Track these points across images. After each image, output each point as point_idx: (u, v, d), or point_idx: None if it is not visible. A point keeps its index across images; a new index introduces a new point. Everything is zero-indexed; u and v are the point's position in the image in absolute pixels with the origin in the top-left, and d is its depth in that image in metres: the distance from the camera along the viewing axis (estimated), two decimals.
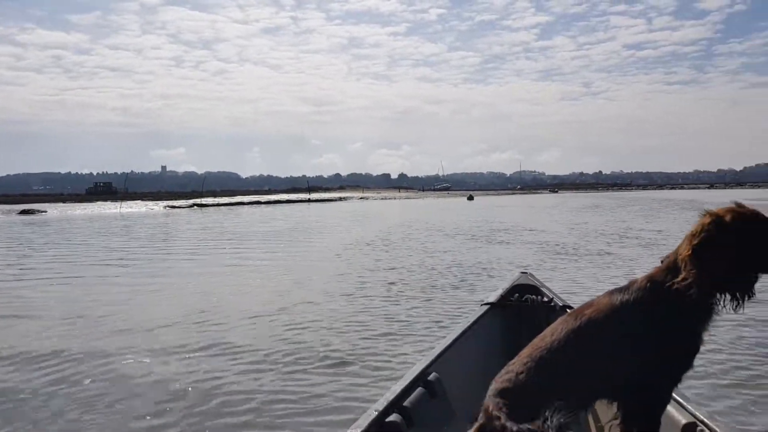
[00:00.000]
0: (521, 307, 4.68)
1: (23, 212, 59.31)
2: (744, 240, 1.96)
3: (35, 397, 5.50)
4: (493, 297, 4.79)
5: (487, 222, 31.85)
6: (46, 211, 61.43)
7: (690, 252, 2.01)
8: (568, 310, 4.03)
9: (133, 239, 24.77)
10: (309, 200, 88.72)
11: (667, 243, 17.42)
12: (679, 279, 2.01)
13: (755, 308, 8.51)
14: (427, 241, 21.08)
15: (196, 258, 17.21)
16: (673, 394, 2.37)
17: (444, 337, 4.02)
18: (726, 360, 6.15)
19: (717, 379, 5.59)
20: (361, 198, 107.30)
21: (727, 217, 2.00)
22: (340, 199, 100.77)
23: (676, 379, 2.08)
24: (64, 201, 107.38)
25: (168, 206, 68.62)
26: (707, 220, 2.03)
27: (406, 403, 2.81)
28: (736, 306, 2.00)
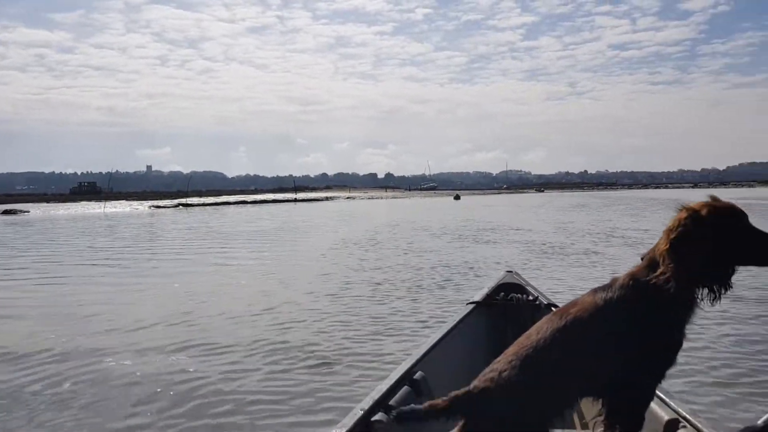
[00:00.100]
0: (507, 306, 4.69)
1: (5, 212, 58.63)
2: (720, 233, 1.98)
3: (14, 397, 5.45)
4: (478, 296, 4.80)
5: (474, 221, 31.94)
6: (29, 212, 60.77)
7: (667, 246, 2.02)
8: (553, 309, 4.05)
9: (117, 239, 24.57)
10: (295, 200, 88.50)
11: (653, 242, 17.46)
12: (657, 273, 2.03)
13: (736, 304, 8.61)
14: (413, 240, 21.09)
15: (180, 258, 17.10)
16: (657, 391, 2.38)
17: (430, 336, 4.02)
18: (709, 357, 6.20)
19: (699, 375, 5.63)
20: (347, 198, 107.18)
21: (703, 211, 2.02)
22: (327, 198, 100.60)
23: (659, 376, 2.09)
24: (47, 201, 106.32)
25: (153, 206, 68.16)
26: (684, 214, 2.04)
27: (391, 402, 2.80)
28: (714, 299, 2.02)
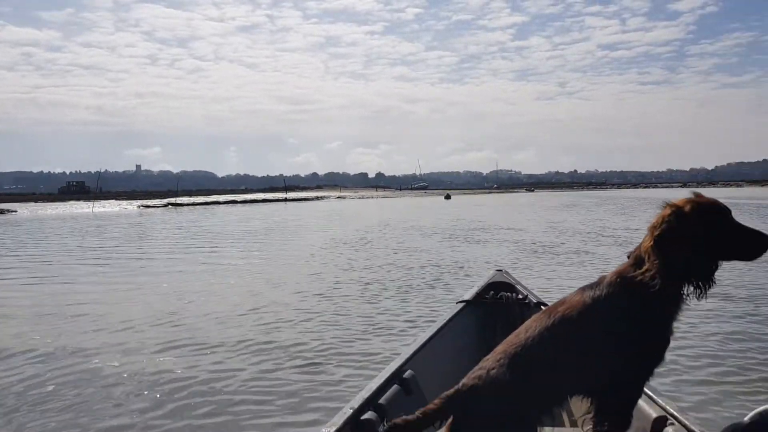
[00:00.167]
0: (496, 305, 4.70)
1: None
2: (703, 229, 2.00)
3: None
4: (468, 295, 4.81)
5: (464, 221, 31.98)
6: (16, 211, 60.29)
7: (651, 243, 2.04)
8: (542, 307, 4.06)
9: (106, 239, 24.40)
10: (286, 200, 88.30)
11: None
12: (642, 270, 2.04)
13: (723, 302, 8.67)
14: (404, 240, 21.09)
15: (169, 258, 17.00)
16: (645, 388, 2.39)
17: (419, 334, 4.02)
18: (696, 355, 6.23)
19: (687, 373, 5.67)
20: (338, 197, 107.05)
21: (687, 208, 2.03)
22: (318, 198, 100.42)
23: (647, 373, 2.09)
24: (35, 201, 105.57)
25: (142, 206, 67.80)
26: (667, 211, 2.06)
27: (381, 401, 2.80)
28: (699, 295, 2.03)
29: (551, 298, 5.29)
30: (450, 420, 2.08)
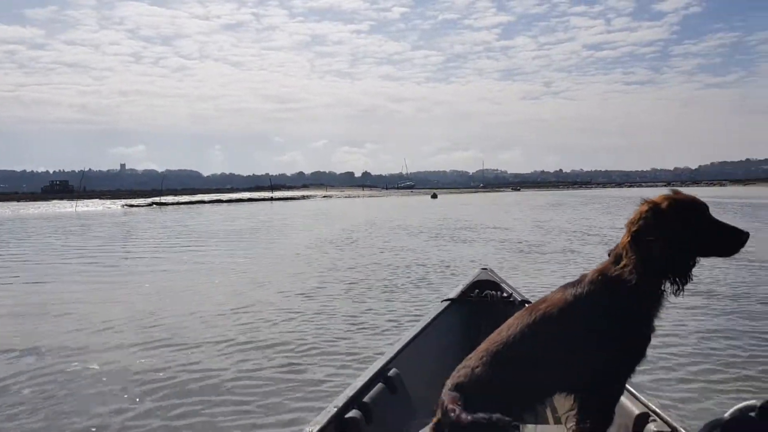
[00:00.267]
0: (481, 303, 4.71)
1: None
2: (680, 225, 2.01)
3: None
4: (453, 293, 4.83)
5: (451, 220, 32.04)
6: None
7: (628, 239, 2.07)
8: (527, 305, 4.07)
9: (89, 239, 24.18)
10: (272, 199, 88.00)
11: None
12: (620, 266, 2.07)
13: (703, 299, 8.77)
14: (390, 239, 21.09)
15: (153, 257, 16.89)
16: (626, 385, 2.41)
17: (404, 333, 4.02)
18: (677, 353, 6.28)
19: (668, 371, 5.71)
20: (324, 196, 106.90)
21: (664, 204, 2.06)
22: (304, 197, 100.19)
23: (629, 370, 2.11)
24: (18, 200, 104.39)
25: (126, 205, 67.31)
26: (645, 207, 2.09)
27: (365, 399, 2.80)
28: (677, 291, 2.05)
29: (537, 296, 5.31)
30: (435, 418, 2.08)
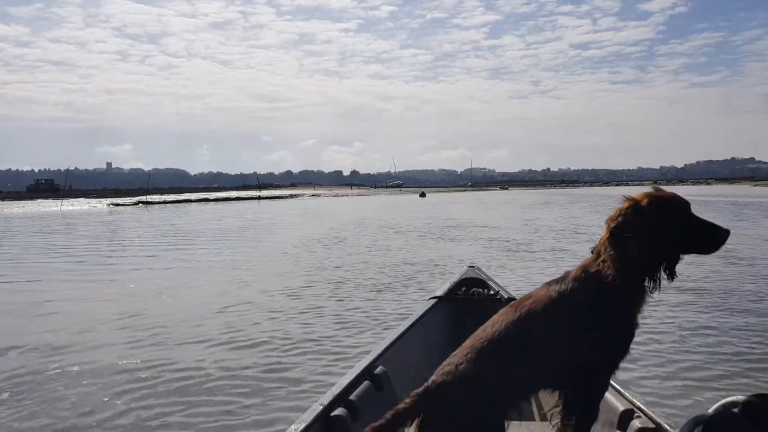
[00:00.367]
0: (468, 300, 4.72)
1: None
2: (659, 222, 2.02)
3: None
4: (440, 291, 4.83)
5: (439, 219, 32.07)
6: None
7: (608, 235, 2.08)
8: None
9: (74, 238, 23.95)
10: (259, 198, 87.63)
11: None
12: (599, 261, 2.08)
13: (687, 296, 8.83)
14: (378, 238, 21.07)
15: (139, 256, 16.77)
16: (612, 382, 2.41)
17: (391, 330, 4.02)
18: (664, 349, 6.32)
19: (653, 367, 5.74)
20: (312, 195, 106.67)
21: (644, 201, 2.07)
22: (292, 196, 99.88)
23: (613, 366, 2.11)
24: (2, 199, 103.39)
25: (112, 204, 66.78)
26: (625, 204, 2.10)
27: (351, 397, 2.79)
28: (654, 287, 2.06)
29: (523, 294, 5.32)
30: (420, 417, 2.07)
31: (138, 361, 6.30)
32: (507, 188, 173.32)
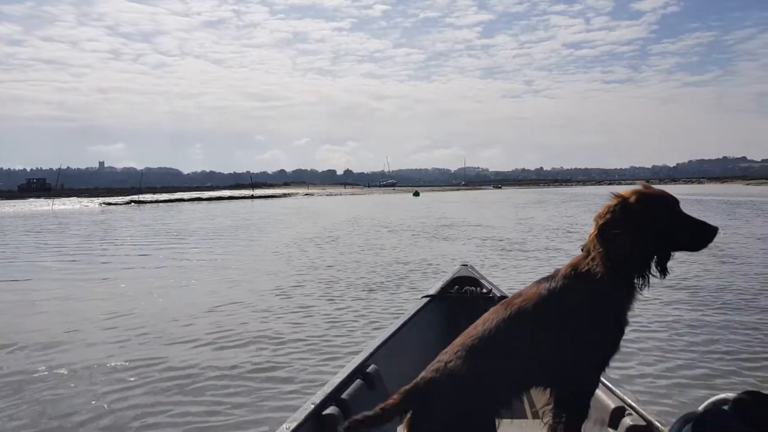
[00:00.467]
0: (461, 299, 4.72)
1: None
2: (647, 219, 2.02)
3: None
4: (433, 289, 4.84)
5: (433, 218, 32.08)
6: None
7: (596, 232, 2.08)
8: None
9: (66, 237, 23.82)
10: (252, 197, 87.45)
11: None
12: (588, 259, 2.08)
13: (678, 294, 8.86)
14: (371, 237, 21.05)
15: (130, 256, 16.67)
16: (603, 379, 2.41)
17: (384, 329, 4.01)
18: (655, 347, 6.34)
19: (644, 365, 5.74)
20: (306, 194, 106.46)
21: (632, 198, 2.07)
22: (285, 195, 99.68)
23: (602, 363, 2.11)
24: None
25: (104, 203, 66.51)
26: (614, 201, 2.10)
27: (343, 396, 2.78)
28: (643, 285, 2.06)
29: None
30: (409, 414, 2.06)
31: (127, 361, 6.25)
32: (500, 187, 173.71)
